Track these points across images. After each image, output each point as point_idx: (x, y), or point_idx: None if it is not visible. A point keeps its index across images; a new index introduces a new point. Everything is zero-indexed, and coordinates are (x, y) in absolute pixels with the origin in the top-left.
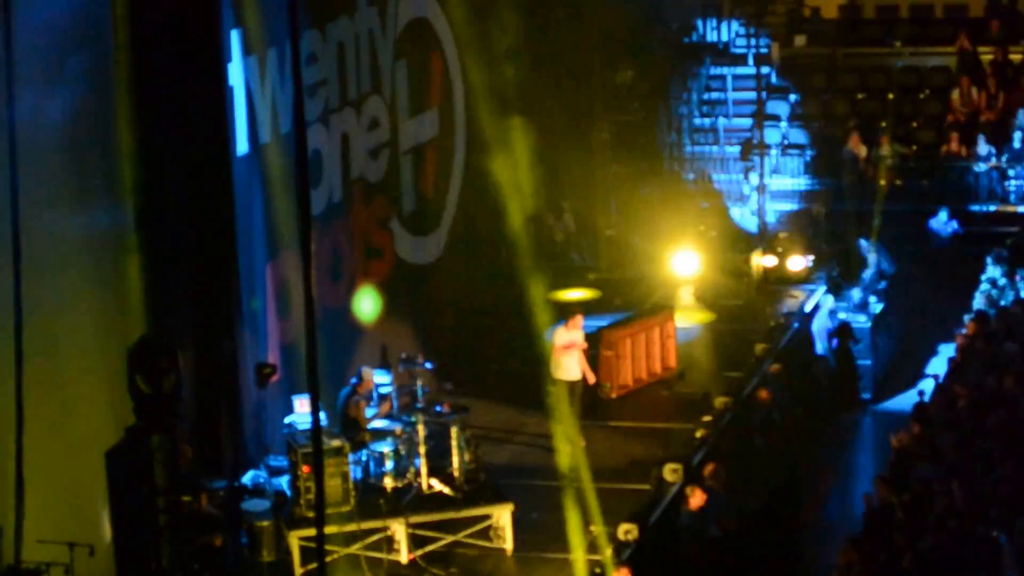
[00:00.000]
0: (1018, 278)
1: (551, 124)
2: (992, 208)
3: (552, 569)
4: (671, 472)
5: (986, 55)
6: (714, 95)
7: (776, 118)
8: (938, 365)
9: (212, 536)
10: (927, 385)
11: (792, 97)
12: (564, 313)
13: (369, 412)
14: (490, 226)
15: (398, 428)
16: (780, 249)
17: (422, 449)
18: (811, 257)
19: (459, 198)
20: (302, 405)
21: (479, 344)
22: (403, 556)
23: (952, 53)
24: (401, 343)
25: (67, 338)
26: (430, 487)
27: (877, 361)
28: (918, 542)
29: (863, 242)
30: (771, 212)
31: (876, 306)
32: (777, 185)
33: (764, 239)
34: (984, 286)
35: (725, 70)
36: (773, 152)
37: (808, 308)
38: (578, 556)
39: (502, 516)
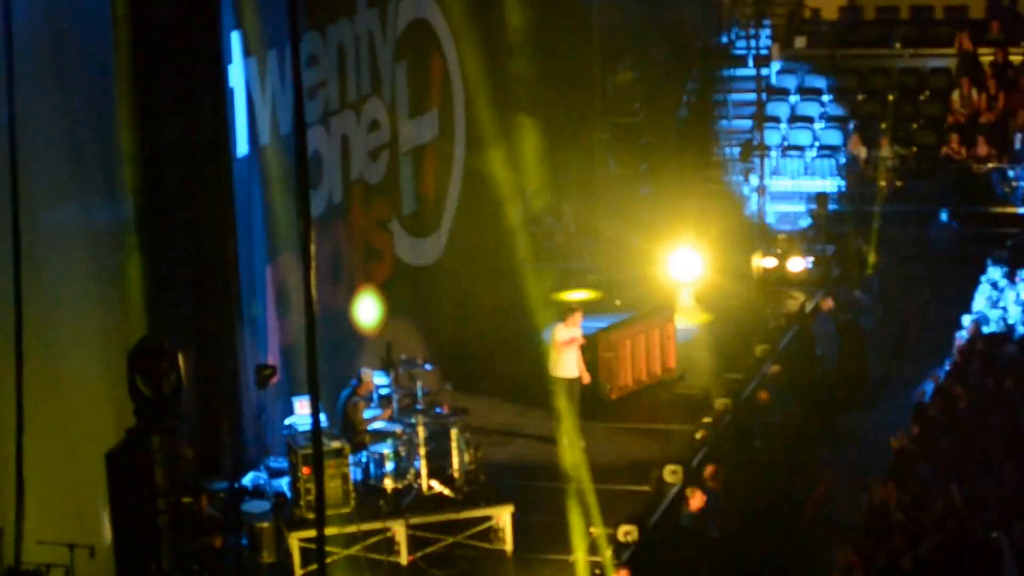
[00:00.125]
0: (1018, 279)
1: (551, 125)
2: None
3: (552, 570)
4: (671, 473)
5: (986, 56)
6: (717, 96)
7: (776, 119)
8: (938, 366)
9: (212, 537)
10: (927, 386)
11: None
12: (563, 312)
13: (369, 413)
14: (490, 227)
15: (398, 429)
16: (779, 250)
17: (422, 450)
18: (811, 259)
19: (459, 199)
20: (302, 406)
21: (479, 345)
22: (403, 557)
23: (952, 54)
24: (401, 344)
25: (67, 339)
26: (430, 488)
27: (877, 361)
28: (918, 543)
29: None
30: (771, 213)
31: (877, 307)
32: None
33: (764, 240)
34: (984, 287)
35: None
36: (773, 154)
37: (808, 309)
38: (578, 557)
39: (502, 517)
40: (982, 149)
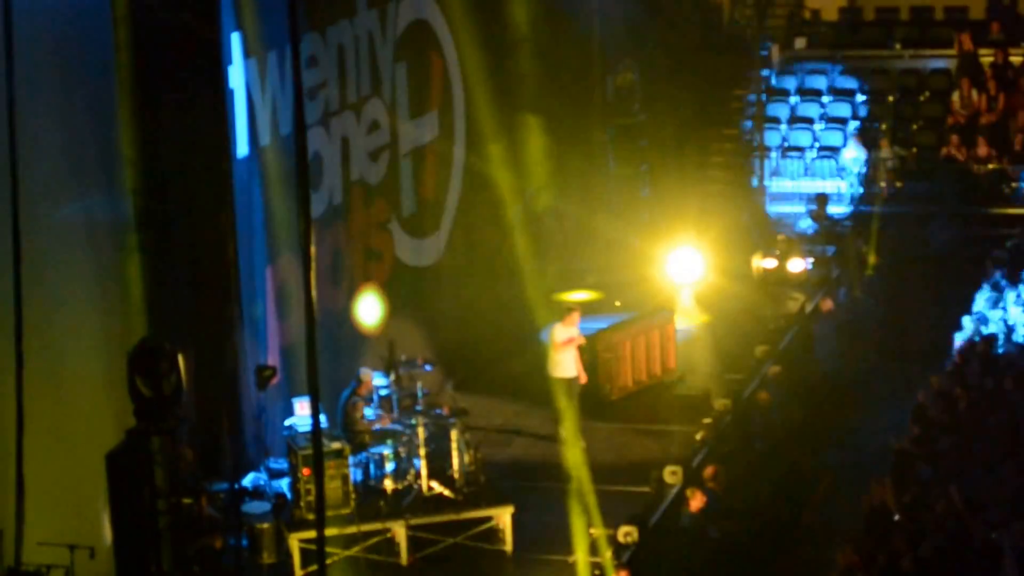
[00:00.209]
0: (1019, 280)
1: (551, 126)
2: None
3: (552, 571)
4: (671, 474)
5: (986, 57)
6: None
7: (776, 120)
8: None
9: (212, 538)
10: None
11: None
12: (561, 312)
13: (369, 413)
14: (490, 228)
15: (398, 430)
16: (780, 251)
17: (422, 451)
18: (811, 260)
19: (459, 200)
20: (302, 407)
21: (479, 346)
22: (403, 558)
23: (952, 55)
24: (401, 345)
25: (67, 340)
26: (430, 489)
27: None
28: (918, 544)
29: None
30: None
31: (877, 308)
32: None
33: (764, 241)
34: (985, 288)
35: None
36: (773, 155)
37: (808, 310)
38: (579, 558)
39: (502, 518)
40: (982, 150)
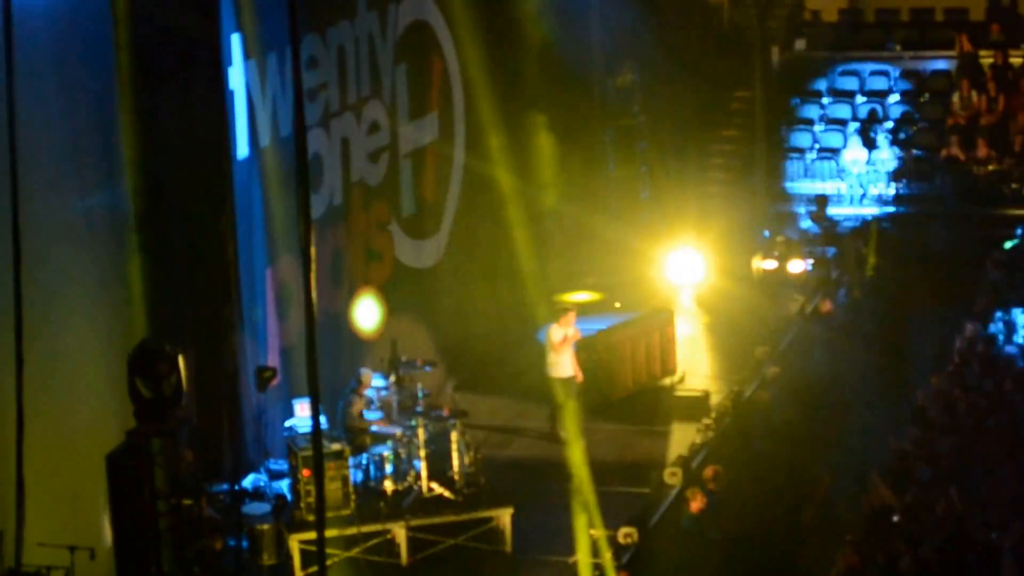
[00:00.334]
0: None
1: (551, 127)
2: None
3: (552, 572)
4: (671, 475)
5: (986, 58)
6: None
7: (776, 121)
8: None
9: (213, 539)
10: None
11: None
12: (557, 312)
13: (369, 414)
14: (490, 229)
15: (398, 431)
16: (779, 252)
17: (422, 452)
18: (811, 261)
19: (459, 201)
20: (302, 409)
21: (479, 346)
22: (403, 559)
23: (952, 56)
24: (402, 346)
25: (68, 341)
26: (430, 490)
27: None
28: (918, 544)
29: None
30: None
31: (876, 309)
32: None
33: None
34: (985, 289)
35: None
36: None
37: (808, 311)
38: (579, 559)
39: (502, 519)
40: (982, 151)
